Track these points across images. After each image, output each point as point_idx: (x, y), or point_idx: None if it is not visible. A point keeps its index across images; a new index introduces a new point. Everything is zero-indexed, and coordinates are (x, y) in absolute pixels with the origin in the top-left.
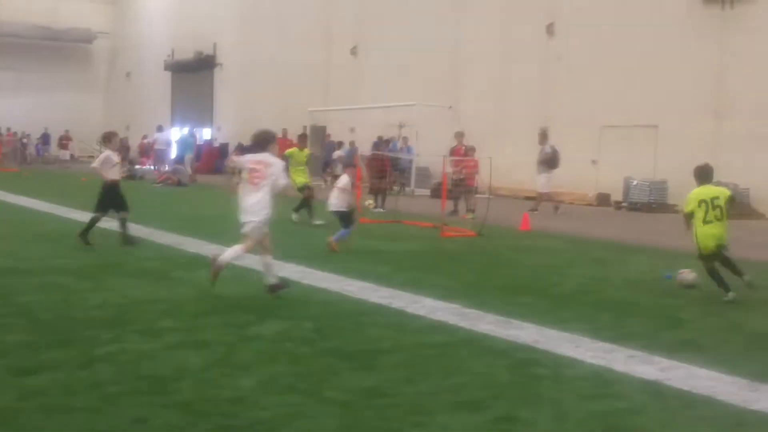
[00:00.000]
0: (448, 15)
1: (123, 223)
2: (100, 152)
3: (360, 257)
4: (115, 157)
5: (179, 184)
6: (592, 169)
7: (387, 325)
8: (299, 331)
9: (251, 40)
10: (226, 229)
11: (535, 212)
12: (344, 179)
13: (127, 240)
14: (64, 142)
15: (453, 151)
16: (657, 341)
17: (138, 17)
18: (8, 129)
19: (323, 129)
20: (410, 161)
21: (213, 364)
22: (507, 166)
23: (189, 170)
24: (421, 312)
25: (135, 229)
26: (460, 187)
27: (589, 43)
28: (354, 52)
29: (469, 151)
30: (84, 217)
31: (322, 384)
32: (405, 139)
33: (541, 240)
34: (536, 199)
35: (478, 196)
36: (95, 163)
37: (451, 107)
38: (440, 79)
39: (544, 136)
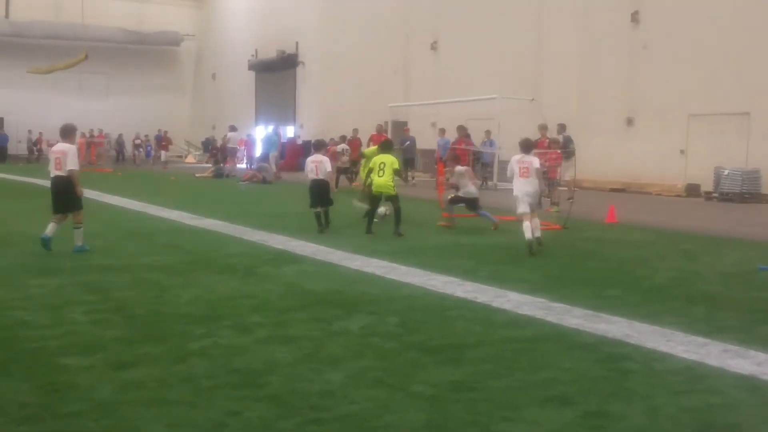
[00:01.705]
0: (529, 5)
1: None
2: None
3: (443, 252)
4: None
5: (264, 181)
6: (681, 159)
7: (473, 319)
8: (385, 326)
9: (332, 37)
10: (311, 226)
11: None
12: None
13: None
14: (163, 143)
15: (536, 144)
16: (752, 335)
17: (222, 19)
18: (100, 130)
19: (404, 124)
20: (493, 155)
21: (302, 358)
22: (591, 158)
23: (274, 168)
24: (507, 306)
25: (221, 227)
26: (543, 180)
27: (676, 30)
28: (434, 46)
29: (553, 143)
30: (171, 215)
31: (409, 378)
32: (488, 132)
33: (629, 233)
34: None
35: (561, 189)
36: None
37: (533, 99)
38: (522, 70)
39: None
